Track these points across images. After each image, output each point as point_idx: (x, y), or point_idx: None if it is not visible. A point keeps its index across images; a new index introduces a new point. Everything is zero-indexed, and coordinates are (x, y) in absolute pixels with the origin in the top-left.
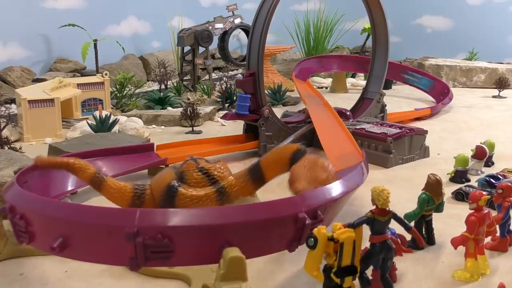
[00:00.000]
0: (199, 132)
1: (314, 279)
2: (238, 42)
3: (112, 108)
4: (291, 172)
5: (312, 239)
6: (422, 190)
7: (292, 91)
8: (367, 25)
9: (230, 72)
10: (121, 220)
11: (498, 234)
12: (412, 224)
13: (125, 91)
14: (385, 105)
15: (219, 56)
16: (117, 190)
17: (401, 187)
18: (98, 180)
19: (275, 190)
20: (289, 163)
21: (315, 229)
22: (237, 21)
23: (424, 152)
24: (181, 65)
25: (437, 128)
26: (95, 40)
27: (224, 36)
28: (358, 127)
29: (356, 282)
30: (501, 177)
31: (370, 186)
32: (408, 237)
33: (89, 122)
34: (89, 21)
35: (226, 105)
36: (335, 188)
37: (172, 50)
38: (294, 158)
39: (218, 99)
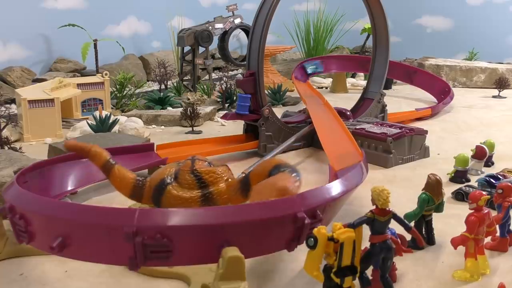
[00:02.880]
0: (199, 132)
1: (314, 279)
2: (238, 42)
3: (112, 108)
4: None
5: (312, 239)
6: (422, 190)
7: (292, 91)
8: (367, 25)
9: (230, 72)
10: (120, 219)
11: (498, 234)
12: (412, 224)
13: (125, 91)
14: (386, 105)
15: (219, 56)
16: (121, 178)
17: (401, 187)
18: (108, 166)
19: None
20: (268, 176)
21: (315, 229)
22: (237, 21)
23: (424, 152)
24: (181, 65)
25: (437, 128)
26: (95, 40)
27: (224, 36)
28: (358, 127)
29: (356, 282)
30: (501, 177)
31: (370, 186)
32: (408, 237)
33: (89, 122)
34: (89, 21)
35: (226, 105)
36: (334, 188)
37: (172, 50)
38: (271, 173)
39: (218, 99)
